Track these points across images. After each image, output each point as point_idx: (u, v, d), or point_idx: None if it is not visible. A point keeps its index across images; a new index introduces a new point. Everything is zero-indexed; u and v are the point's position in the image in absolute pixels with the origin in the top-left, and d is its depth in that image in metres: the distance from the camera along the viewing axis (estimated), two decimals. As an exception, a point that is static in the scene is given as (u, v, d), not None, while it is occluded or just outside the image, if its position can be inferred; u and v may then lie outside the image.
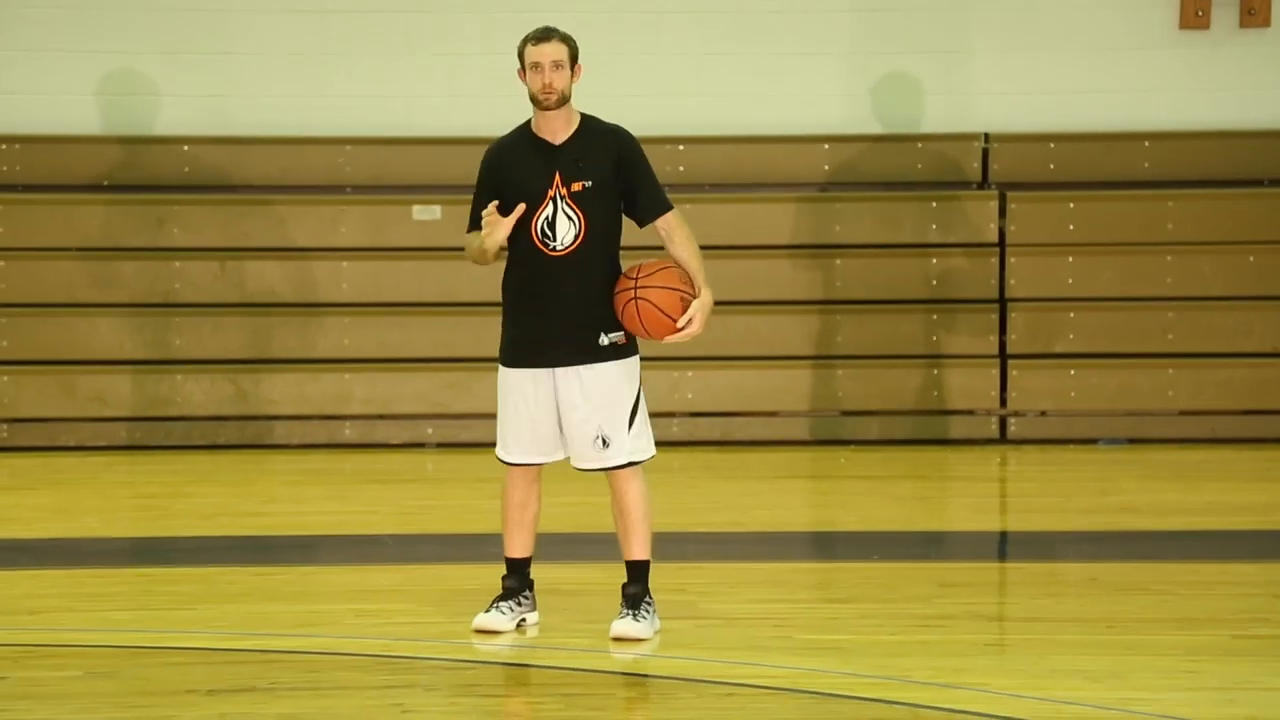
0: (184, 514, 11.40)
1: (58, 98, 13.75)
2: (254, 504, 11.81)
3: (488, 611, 7.58)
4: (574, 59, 7.25)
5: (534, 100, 7.22)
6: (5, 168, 13.63)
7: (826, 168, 13.72)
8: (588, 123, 7.34)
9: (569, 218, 7.20)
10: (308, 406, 13.43)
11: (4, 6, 13.60)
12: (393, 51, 13.86)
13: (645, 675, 7.39)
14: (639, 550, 7.55)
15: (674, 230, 7.36)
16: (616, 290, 7.31)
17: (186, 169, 13.58)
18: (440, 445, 13.47)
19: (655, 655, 7.56)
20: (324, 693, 7.10)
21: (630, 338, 7.35)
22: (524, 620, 7.66)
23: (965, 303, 13.58)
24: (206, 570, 9.62)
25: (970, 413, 13.38)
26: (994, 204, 13.60)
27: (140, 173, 13.63)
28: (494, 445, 7.60)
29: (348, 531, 10.80)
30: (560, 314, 7.28)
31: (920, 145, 13.71)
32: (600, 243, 7.26)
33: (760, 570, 9.48)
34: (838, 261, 13.57)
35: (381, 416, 13.41)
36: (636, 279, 7.27)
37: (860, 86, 13.86)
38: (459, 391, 13.39)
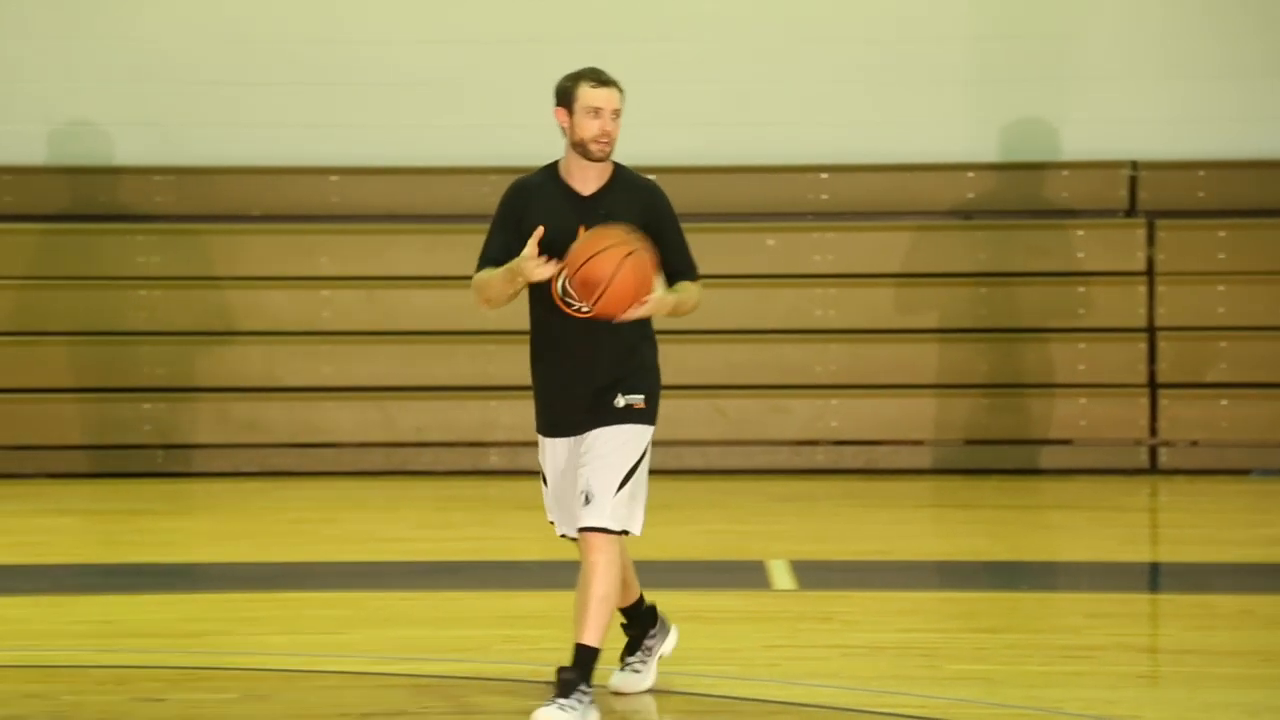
0: (333, 539, 11.52)
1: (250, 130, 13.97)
2: (401, 529, 11.88)
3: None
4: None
5: (581, 147, 6.57)
6: (164, 199, 13.82)
7: (971, 195, 13.69)
8: (620, 174, 6.69)
9: None
10: (452, 433, 13.52)
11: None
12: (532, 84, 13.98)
13: (793, 704, 7.27)
14: (589, 634, 6.62)
15: (688, 285, 6.69)
16: (608, 245, 6.44)
17: (334, 199, 13.80)
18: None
19: (802, 682, 7.44)
20: (472, 717, 7.17)
21: (648, 406, 6.68)
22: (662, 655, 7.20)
23: (1113, 331, 13.50)
24: (356, 595, 9.75)
25: (1119, 443, 13.25)
26: (1142, 232, 13.56)
27: (287, 203, 13.88)
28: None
29: (493, 557, 10.90)
30: (587, 377, 6.64)
31: (1065, 173, 13.68)
32: None
33: (907, 599, 9.41)
34: (982, 290, 13.54)
35: (526, 444, 13.15)
36: (636, 246, 6.45)
37: (997, 114, 13.86)
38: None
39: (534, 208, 6.59)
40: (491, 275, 6.62)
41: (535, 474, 13.14)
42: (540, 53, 13.61)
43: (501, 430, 13.55)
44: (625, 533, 6.66)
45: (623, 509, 6.60)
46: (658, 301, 6.43)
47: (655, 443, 6.88)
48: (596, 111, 6.51)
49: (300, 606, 9.53)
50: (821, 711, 7.13)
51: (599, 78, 6.56)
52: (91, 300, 13.68)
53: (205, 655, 8.21)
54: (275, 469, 13.53)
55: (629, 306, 6.37)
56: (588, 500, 6.55)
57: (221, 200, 13.88)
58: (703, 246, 7.22)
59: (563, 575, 9.94)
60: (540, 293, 6.56)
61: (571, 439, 6.69)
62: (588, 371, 6.60)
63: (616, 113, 6.56)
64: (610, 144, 6.54)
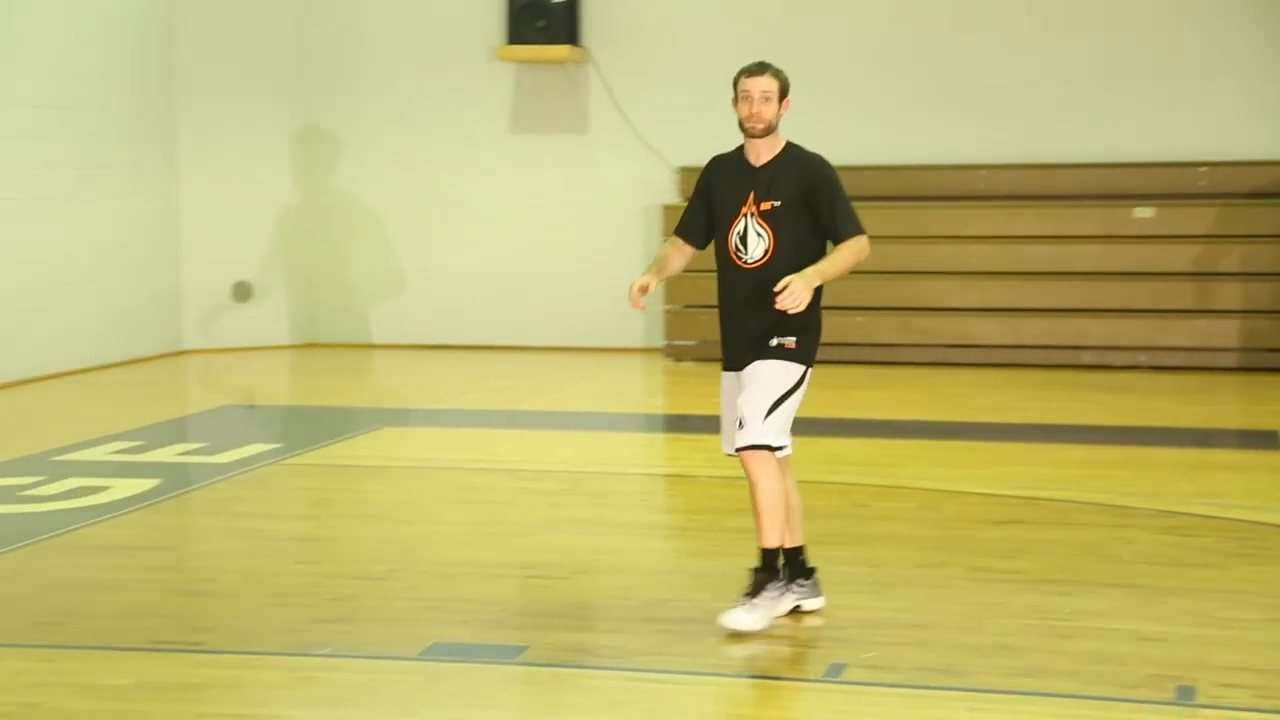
0: (977, 408, 11.19)
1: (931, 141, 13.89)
2: (1020, 402, 11.40)
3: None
4: (783, 93, 5.99)
5: (741, 127, 5.96)
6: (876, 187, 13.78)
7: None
8: (789, 150, 6.01)
9: (758, 234, 5.88)
10: (1057, 340, 13.10)
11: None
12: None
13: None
14: (765, 538, 5.89)
15: (845, 242, 5.89)
16: None
17: (982, 186, 13.50)
18: (1151, 368, 12.95)
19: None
20: (1069, 527, 7.54)
21: (800, 348, 5.91)
22: (799, 607, 6.08)
23: None
24: (993, 444, 9.79)
25: None
26: None
27: (954, 189, 13.61)
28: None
29: (1077, 421, 10.56)
30: (749, 322, 5.91)
31: None
32: (789, 258, 5.84)
33: None
34: None
35: (1110, 348, 13.04)
36: None
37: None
38: (1162, 330, 13.06)
39: (719, 177, 6.05)
40: (670, 243, 6.15)
41: (1113, 368, 13.13)
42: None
43: (1091, 338, 13.10)
44: (780, 449, 5.91)
45: (772, 429, 5.85)
46: (796, 293, 5.64)
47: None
48: (746, 95, 5.92)
49: (954, 451, 9.64)
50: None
51: (751, 69, 5.98)
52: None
53: (894, 479, 8.64)
54: (939, 360, 13.25)
55: None
56: (741, 425, 5.84)
57: (913, 186, 13.64)
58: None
59: (1137, 436, 10.12)
60: (720, 244, 5.98)
61: (738, 373, 5.97)
62: (752, 315, 5.90)
63: (765, 96, 5.91)
64: (760, 123, 5.90)
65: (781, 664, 5.50)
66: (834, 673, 5.39)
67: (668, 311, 13.99)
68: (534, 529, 7.67)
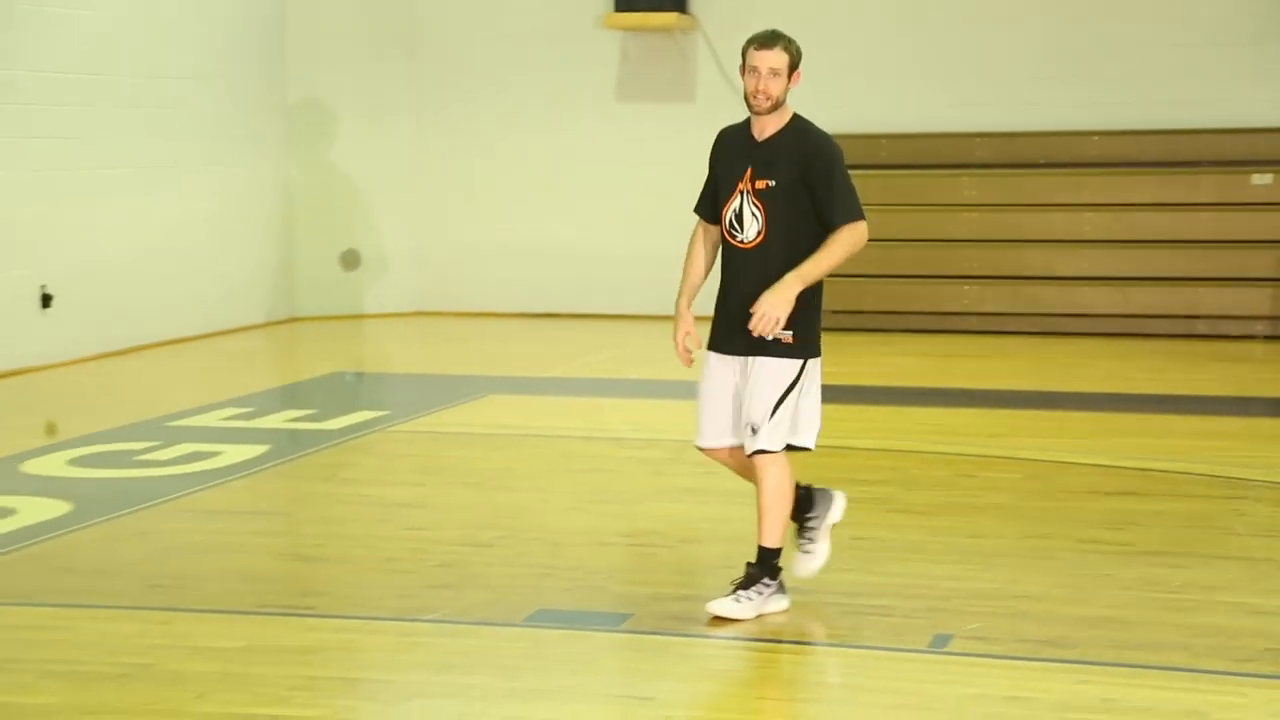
0: (1085, 378, 11.12)
1: (1039, 107, 13.79)
2: (1131, 372, 11.45)
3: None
4: (793, 66, 5.55)
5: (746, 101, 5.56)
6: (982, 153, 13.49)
7: None
8: (794, 125, 5.60)
9: (753, 213, 5.51)
10: (1170, 309, 13.00)
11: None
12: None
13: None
14: (765, 537, 5.64)
15: (839, 231, 5.51)
16: None
17: (1094, 153, 13.39)
18: (1268, 338, 12.88)
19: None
20: (1183, 500, 7.50)
21: (802, 340, 5.56)
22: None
23: None
24: (1102, 414, 9.71)
25: None
26: None
27: (1064, 155, 13.47)
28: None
29: (1192, 392, 10.52)
30: (743, 303, 5.54)
31: None
32: (785, 240, 5.50)
33: None
34: None
35: (1225, 317, 12.95)
36: None
37: None
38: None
39: (723, 151, 5.70)
40: (685, 270, 5.80)
41: (1228, 338, 12.96)
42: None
43: (1205, 307, 13.03)
44: (788, 448, 5.62)
45: (778, 432, 5.55)
46: (767, 316, 5.39)
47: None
48: (755, 70, 5.51)
49: (1062, 421, 9.61)
50: None
51: (761, 40, 5.57)
52: (930, 221, 13.35)
53: (1000, 449, 8.64)
54: (1047, 330, 13.16)
55: None
56: (753, 431, 5.54)
57: (1024, 153, 13.45)
58: None
59: (1252, 407, 10.02)
60: (720, 220, 5.67)
61: (728, 356, 5.64)
62: (743, 297, 5.53)
63: (774, 71, 5.49)
64: (766, 98, 5.50)
65: (885, 634, 5.47)
66: (938, 643, 5.37)
67: (773, 280, 13.91)
68: (639, 497, 7.70)
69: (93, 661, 5.21)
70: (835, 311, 13.71)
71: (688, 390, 10.71)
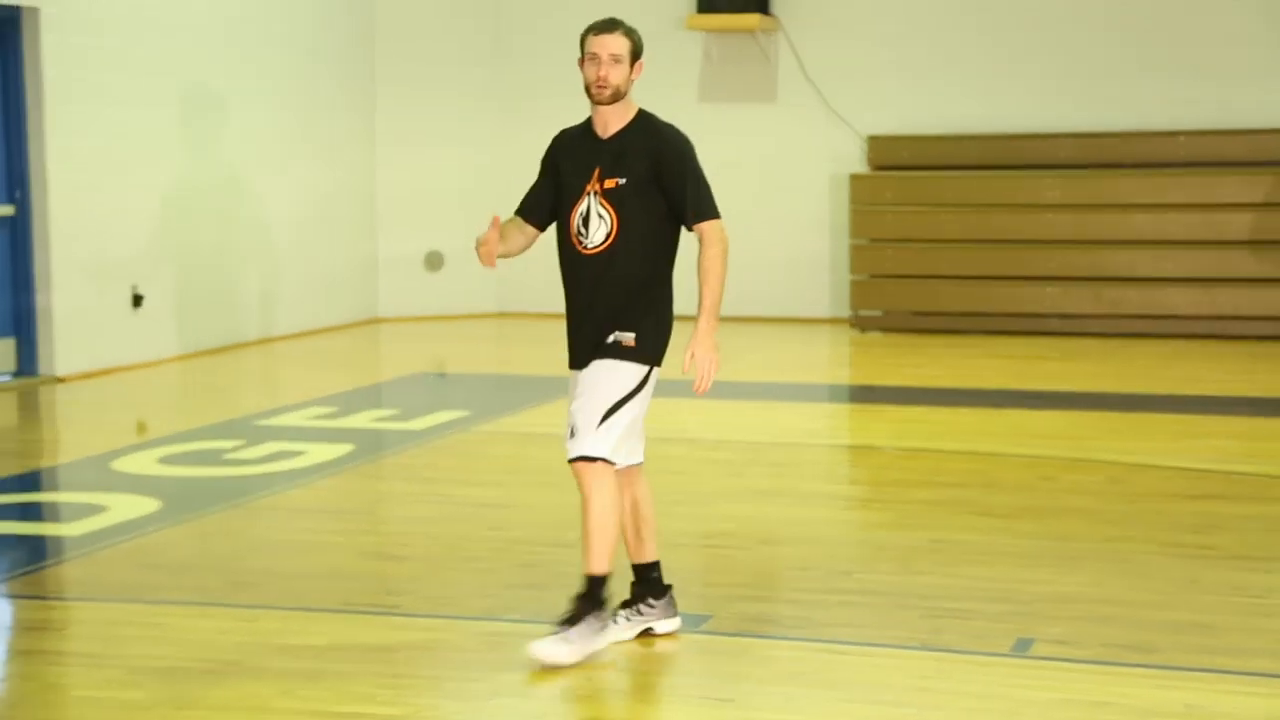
0: (1167, 379, 11.04)
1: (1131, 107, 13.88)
2: (1218, 375, 11.27)
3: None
4: (635, 55, 5.16)
5: (587, 92, 5.14)
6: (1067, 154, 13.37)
7: None
8: (641, 120, 5.22)
9: (600, 216, 5.12)
10: (1261, 310, 12.88)
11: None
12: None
13: None
14: (592, 563, 5.17)
15: (706, 242, 5.23)
16: None
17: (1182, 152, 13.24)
18: None
19: None
20: (1263, 504, 7.40)
21: (640, 345, 5.17)
22: (651, 629, 5.37)
23: None
24: (1188, 417, 9.60)
25: None
26: None
27: (1149, 156, 13.41)
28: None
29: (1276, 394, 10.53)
30: (589, 315, 5.19)
31: None
32: (634, 245, 5.15)
33: None
34: None
35: None
36: None
37: None
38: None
39: (564, 150, 5.29)
40: (510, 223, 5.41)
41: None
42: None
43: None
44: (628, 460, 5.25)
45: (605, 440, 5.09)
46: (707, 369, 5.20)
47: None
48: (594, 57, 5.11)
49: (1145, 423, 9.55)
50: None
51: (600, 26, 5.16)
52: (1011, 222, 13.20)
53: (1083, 451, 8.56)
54: (1130, 331, 13.11)
55: None
56: (572, 433, 5.13)
57: (1108, 154, 13.30)
58: None
59: None
60: (561, 226, 5.28)
61: (579, 372, 5.25)
62: (590, 308, 5.19)
63: (615, 58, 5.11)
64: (607, 88, 5.12)
65: (967, 637, 5.43)
66: (1020, 647, 5.33)
67: (854, 281, 13.90)
68: (717, 499, 7.69)
69: (181, 657, 5.27)
70: (916, 313, 13.84)
71: (764, 391, 10.92)
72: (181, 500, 7.62)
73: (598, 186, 5.15)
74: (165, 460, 8.58)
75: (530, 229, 5.41)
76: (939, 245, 13.72)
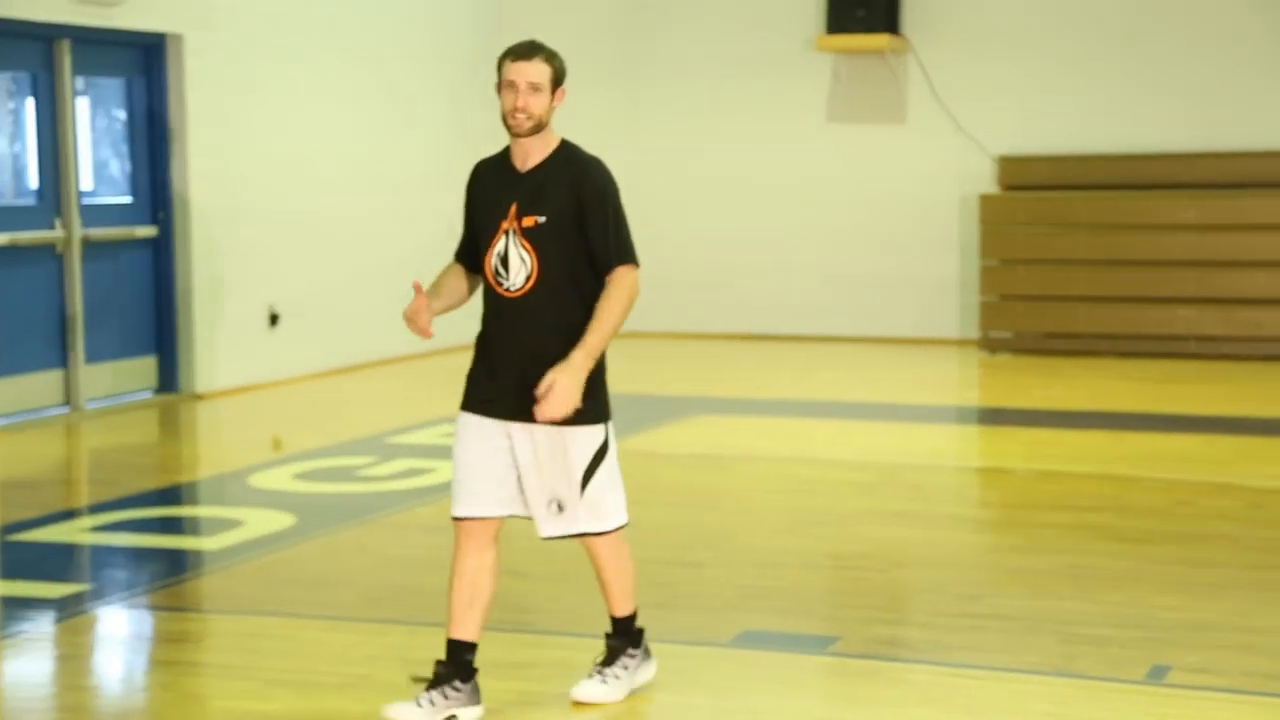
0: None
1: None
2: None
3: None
4: (557, 82, 4.76)
5: (504, 122, 4.74)
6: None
7: None
8: (563, 151, 4.79)
9: (520, 257, 4.69)
10: None
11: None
12: None
13: None
14: (616, 608, 5.05)
15: (614, 284, 4.69)
16: None
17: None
18: None
19: None
20: None
21: (592, 404, 4.73)
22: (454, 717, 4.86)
23: None
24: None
25: None
26: None
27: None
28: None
29: None
30: (511, 362, 4.74)
31: None
32: (558, 287, 4.69)
33: None
34: None
35: None
36: None
37: None
38: None
39: (480, 185, 4.86)
40: (447, 270, 4.97)
41: None
42: None
43: None
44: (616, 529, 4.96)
45: (597, 510, 4.87)
46: (559, 402, 4.58)
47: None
48: (512, 85, 4.71)
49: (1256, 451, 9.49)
50: None
51: (518, 51, 4.76)
52: (1144, 242, 12.99)
53: (1221, 476, 8.38)
54: (1268, 354, 12.87)
55: None
56: (560, 509, 4.81)
57: (1236, 173, 12.94)
58: None
59: None
60: (481, 265, 4.83)
61: (493, 420, 4.77)
62: (512, 354, 4.75)
63: (534, 86, 4.70)
64: (528, 118, 4.70)
65: (1101, 664, 5.35)
66: (1156, 675, 5.24)
67: (984, 303, 13.77)
68: (848, 520, 7.64)
69: (314, 671, 5.33)
70: (1047, 334, 13.66)
71: (894, 413, 10.87)
72: (315, 516, 7.72)
73: (515, 225, 4.71)
74: (300, 476, 8.71)
75: (473, 274, 4.96)
76: (1070, 266, 13.55)
